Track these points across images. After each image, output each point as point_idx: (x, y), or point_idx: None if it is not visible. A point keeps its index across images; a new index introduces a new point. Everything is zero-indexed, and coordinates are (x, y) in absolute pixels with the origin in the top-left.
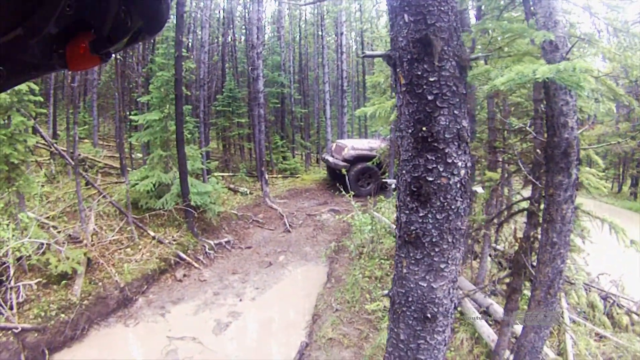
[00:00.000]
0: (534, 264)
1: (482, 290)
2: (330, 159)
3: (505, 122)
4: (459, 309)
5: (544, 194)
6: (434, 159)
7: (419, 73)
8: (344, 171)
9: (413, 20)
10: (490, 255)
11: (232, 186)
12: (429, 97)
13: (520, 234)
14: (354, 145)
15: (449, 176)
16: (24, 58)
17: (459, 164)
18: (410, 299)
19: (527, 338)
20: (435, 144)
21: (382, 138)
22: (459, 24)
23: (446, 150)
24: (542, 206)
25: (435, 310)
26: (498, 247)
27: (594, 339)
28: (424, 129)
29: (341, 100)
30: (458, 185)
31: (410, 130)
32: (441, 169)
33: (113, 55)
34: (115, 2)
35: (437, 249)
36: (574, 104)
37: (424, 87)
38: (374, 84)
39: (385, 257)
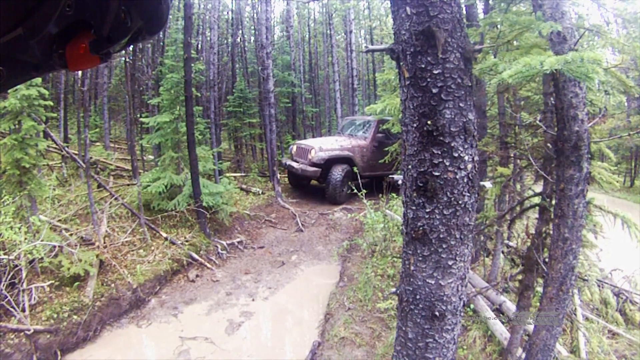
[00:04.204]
0: (546, 260)
1: (494, 288)
2: (295, 164)
3: (516, 117)
4: (472, 306)
5: (555, 189)
6: (439, 153)
7: (423, 66)
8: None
9: (415, 12)
10: (502, 252)
11: (244, 186)
12: (434, 90)
13: (532, 230)
14: (322, 146)
15: (456, 170)
16: (24, 58)
17: (466, 157)
18: (418, 297)
19: (539, 336)
20: (441, 138)
21: (352, 136)
22: (462, 15)
23: (452, 144)
24: (553, 201)
25: (444, 308)
26: (511, 243)
27: (606, 336)
28: (429, 122)
29: (352, 98)
30: (465, 180)
31: (415, 125)
32: (447, 164)
33: (113, 55)
34: (115, 2)
35: (444, 246)
36: (584, 96)
37: (428, 80)
38: (385, 81)
39: (398, 255)
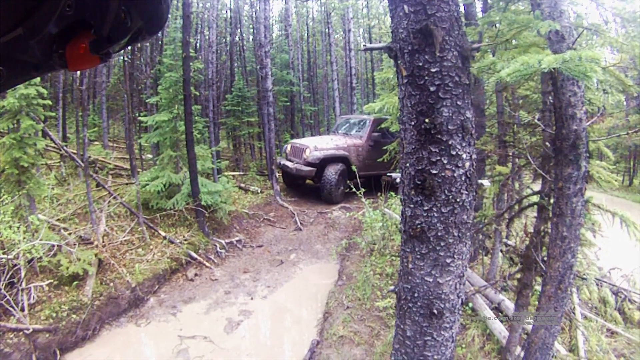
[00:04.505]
0: (545, 259)
1: (493, 287)
2: (290, 164)
3: (514, 116)
4: (470, 305)
5: (553, 187)
6: (437, 151)
7: (420, 64)
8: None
9: (413, 10)
10: (501, 251)
11: (242, 185)
12: (431, 89)
13: (531, 229)
14: (317, 145)
15: (454, 168)
16: (24, 58)
17: (464, 155)
18: (416, 295)
19: (538, 334)
20: (439, 136)
21: (347, 135)
22: (460, 14)
23: (450, 142)
24: (552, 200)
25: (442, 306)
26: (509, 242)
27: (605, 334)
28: (426, 120)
29: (351, 97)
30: (463, 178)
31: (412, 123)
32: (445, 162)
33: (113, 55)
34: (115, 3)
35: (442, 244)
36: (582, 95)
37: (426, 78)
38: (383, 79)
39: (396, 254)
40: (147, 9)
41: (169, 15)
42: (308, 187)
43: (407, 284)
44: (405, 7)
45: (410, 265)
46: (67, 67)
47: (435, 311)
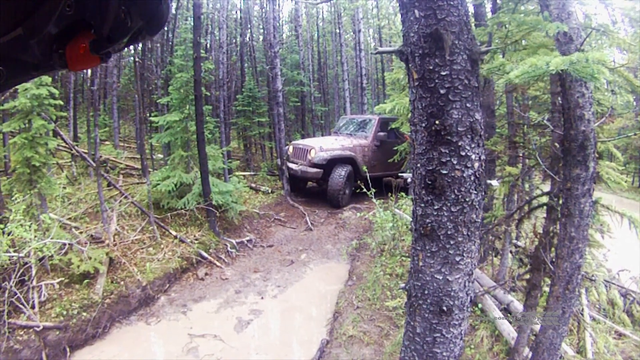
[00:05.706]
0: (554, 259)
1: (502, 287)
2: (294, 166)
3: (524, 117)
4: (479, 305)
5: (562, 188)
6: (447, 152)
7: (431, 67)
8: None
9: (423, 15)
10: (511, 252)
11: (253, 185)
12: (441, 91)
13: (540, 229)
14: (322, 146)
15: (463, 169)
16: (24, 58)
17: (473, 156)
18: (426, 292)
19: (546, 334)
20: (449, 137)
21: (350, 135)
22: (469, 18)
23: (459, 143)
24: (561, 200)
25: (451, 303)
26: (519, 243)
27: (613, 336)
28: (437, 122)
29: (361, 97)
30: (472, 178)
31: (423, 124)
32: (455, 162)
33: (113, 55)
34: (115, 2)
35: (452, 242)
36: (590, 96)
37: (436, 81)
38: (393, 80)
39: (407, 255)
40: (147, 9)
41: (179, 16)
42: (318, 187)
43: (418, 282)
44: (416, 11)
45: (420, 263)
46: (67, 67)
47: (444, 308)
